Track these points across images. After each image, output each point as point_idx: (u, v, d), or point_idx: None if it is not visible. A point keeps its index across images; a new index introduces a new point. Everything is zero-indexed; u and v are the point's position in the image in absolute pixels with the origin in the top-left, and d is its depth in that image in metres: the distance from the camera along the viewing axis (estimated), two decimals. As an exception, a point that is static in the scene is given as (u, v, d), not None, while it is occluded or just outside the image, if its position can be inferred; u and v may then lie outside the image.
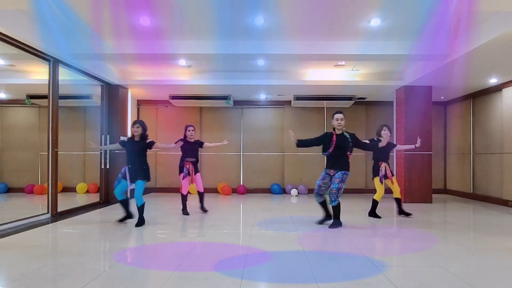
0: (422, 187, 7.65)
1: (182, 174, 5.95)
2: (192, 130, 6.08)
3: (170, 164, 9.38)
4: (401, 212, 5.82)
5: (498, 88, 7.53)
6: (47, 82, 5.74)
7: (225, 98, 8.83)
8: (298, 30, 5.38)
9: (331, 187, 4.91)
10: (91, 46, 5.71)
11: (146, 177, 5.11)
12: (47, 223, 5.21)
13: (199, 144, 6.17)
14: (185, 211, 5.98)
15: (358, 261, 3.38)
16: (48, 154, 5.73)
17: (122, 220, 5.17)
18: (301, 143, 5.09)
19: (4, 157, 9.11)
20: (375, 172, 5.76)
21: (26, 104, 8.56)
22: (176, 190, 9.37)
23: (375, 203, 5.78)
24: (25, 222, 5.08)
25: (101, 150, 7.38)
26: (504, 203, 7.26)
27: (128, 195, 7.69)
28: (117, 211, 6.28)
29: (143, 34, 5.49)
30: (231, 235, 4.56)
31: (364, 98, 9.14)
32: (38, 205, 7.10)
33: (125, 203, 5.17)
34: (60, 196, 6.07)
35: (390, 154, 6.00)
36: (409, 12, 4.72)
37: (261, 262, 3.35)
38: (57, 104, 5.83)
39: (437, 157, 9.48)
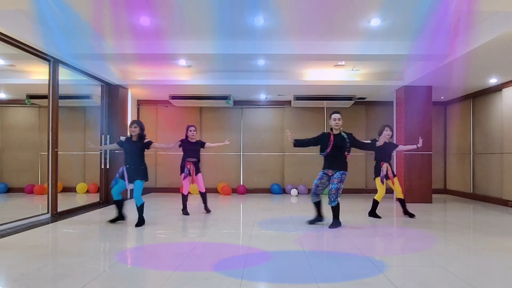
0: (422, 187, 7.65)
1: (183, 174, 5.95)
2: (194, 131, 6.07)
3: (170, 164, 9.38)
4: (406, 212, 5.81)
5: (498, 88, 7.53)
6: (47, 82, 5.74)
7: (225, 98, 8.83)
8: (298, 30, 5.38)
9: (330, 187, 4.91)
10: (91, 46, 5.71)
11: (145, 177, 5.11)
12: (47, 223, 5.21)
13: (201, 144, 6.16)
14: (185, 211, 5.98)
15: (358, 261, 3.38)
16: (48, 154, 5.74)
17: (113, 221, 5.14)
18: (298, 143, 5.10)
19: (4, 157, 9.11)
20: (377, 172, 5.76)
21: (26, 104, 8.56)
22: (176, 190, 9.38)
23: (375, 203, 5.77)
24: (25, 222, 5.08)
25: (101, 150, 7.38)
26: (504, 203, 7.26)
27: (128, 195, 7.79)
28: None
29: (143, 34, 5.49)
30: (231, 235, 4.56)
31: (364, 98, 9.14)
32: (38, 205, 7.10)
33: (120, 204, 5.16)
34: (60, 196, 6.07)
35: (392, 154, 6.00)
36: (409, 12, 4.72)
37: (261, 262, 3.35)
38: (57, 104, 5.83)
39: (437, 157, 9.49)
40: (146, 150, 5.18)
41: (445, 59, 5.84)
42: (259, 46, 5.77)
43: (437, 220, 5.75)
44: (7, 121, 9.21)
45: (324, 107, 9.41)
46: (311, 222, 5.18)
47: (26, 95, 8.30)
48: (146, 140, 5.16)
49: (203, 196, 6.18)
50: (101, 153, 7.43)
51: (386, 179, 5.71)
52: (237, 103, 9.59)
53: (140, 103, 9.68)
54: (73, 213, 6.08)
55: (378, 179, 5.73)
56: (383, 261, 3.36)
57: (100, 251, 3.81)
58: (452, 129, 9.38)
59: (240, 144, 9.70)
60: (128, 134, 5.25)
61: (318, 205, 5.19)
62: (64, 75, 6.03)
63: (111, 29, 5.40)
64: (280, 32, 5.44)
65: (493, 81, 7.25)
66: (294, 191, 9.16)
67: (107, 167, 7.39)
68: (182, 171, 5.98)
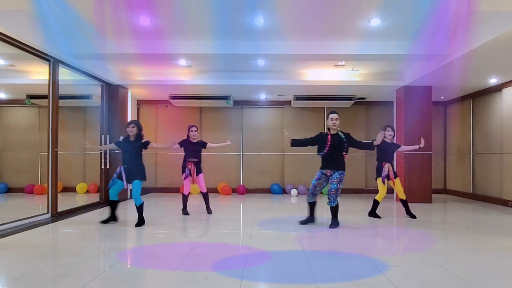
0: (422, 187, 7.65)
1: (184, 174, 5.95)
2: (195, 131, 6.08)
3: (170, 164, 9.39)
4: (408, 213, 5.80)
5: (498, 88, 7.53)
6: (47, 82, 5.74)
7: (225, 98, 8.83)
8: (298, 30, 5.38)
9: (329, 188, 4.90)
10: (91, 46, 5.71)
11: (143, 177, 5.10)
12: (47, 223, 5.22)
13: (202, 144, 6.16)
14: (185, 211, 5.98)
15: (358, 261, 3.38)
16: (48, 154, 5.74)
17: (105, 221, 5.11)
18: (295, 143, 5.09)
19: (4, 157, 9.11)
20: (378, 173, 5.75)
21: (26, 104, 8.56)
22: (176, 190, 9.39)
23: (376, 203, 5.77)
24: (25, 222, 5.08)
25: (101, 150, 7.38)
26: (504, 203, 7.26)
27: (128, 195, 7.78)
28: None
29: (143, 34, 5.49)
30: (231, 235, 4.56)
31: (364, 98, 9.14)
32: (38, 205, 7.10)
33: (114, 205, 5.16)
34: (60, 196, 6.06)
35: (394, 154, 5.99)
36: (409, 12, 4.72)
37: (261, 262, 3.35)
38: (57, 104, 5.83)
39: (437, 157, 9.49)
40: (144, 150, 5.18)
41: (445, 59, 5.84)
42: (259, 46, 5.77)
43: (437, 220, 5.75)
44: (7, 121, 9.21)
45: (324, 107, 9.41)
46: (303, 222, 5.17)
47: (26, 95, 8.30)
48: (143, 140, 5.16)
49: (205, 196, 6.17)
50: (101, 153, 7.43)
51: (388, 180, 5.70)
52: (237, 103, 9.59)
53: (140, 103, 9.68)
54: (73, 213, 6.08)
55: (379, 179, 5.72)
56: (383, 261, 3.36)
57: (100, 251, 3.81)
58: (452, 129, 9.38)
59: (240, 144, 9.70)
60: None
61: (313, 205, 5.20)
62: (64, 75, 6.03)
63: (111, 29, 5.40)
64: (280, 32, 5.44)
65: (493, 81, 7.25)
66: (294, 191, 9.16)
67: (107, 167, 7.39)
68: (183, 171, 5.99)
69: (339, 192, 4.90)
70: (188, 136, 6.07)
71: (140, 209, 5.03)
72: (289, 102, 9.52)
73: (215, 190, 9.34)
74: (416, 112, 7.67)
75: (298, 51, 5.82)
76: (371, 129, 9.35)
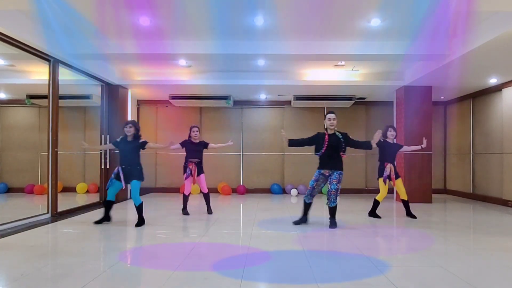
0: (422, 187, 7.65)
1: (185, 174, 5.95)
2: (197, 131, 6.08)
3: (170, 164, 9.38)
4: (408, 213, 5.80)
5: (498, 88, 7.53)
6: (47, 82, 5.74)
7: (225, 98, 8.83)
8: (298, 30, 5.38)
9: (329, 188, 4.91)
10: (91, 46, 5.71)
11: (141, 177, 5.10)
12: (47, 223, 5.22)
13: (204, 145, 6.16)
14: (185, 211, 5.98)
15: (358, 261, 3.38)
16: (48, 154, 5.74)
17: (99, 222, 5.10)
18: (292, 143, 5.10)
19: (4, 157, 9.11)
20: (380, 173, 5.75)
21: (26, 104, 8.56)
22: (176, 190, 9.39)
23: (376, 203, 5.77)
24: (25, 222, 5.08)
25: (100, 150, 7.38)
26: (504, 203, 7.26)
27: (128, 196, 7.78)
28: (117, 210, 6.29)
29: (143, 34, 5.49)
30: (231, 235, 4.56)
31: (364, 98, 9.13)
32: (38, 205, 7.10)
33: (109, 205, 5.16)
34: (60, 196, 6.06)
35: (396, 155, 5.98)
36: (409, 12, 4.71)
37: (261, 262, 3.35)
38: (57, 104, 5.83)
39: (437, 157, 9.49)
40: (142, 150, 5.18)
41: (445, 59, 5.84)
42: (259, 46, 5.77)
43: (437, 220, 5.75)
44: (7, 121, 9.21)
45: (324, 107, 9.41)
46: (297, 222, 5.16)
47: (26, 95, 8.30)
48: (141, 140, 5.16)
49: (206, 197, 6.17)
50: (101, 153, 7.43)
51: (389, 180, 5.70)
52: (237, 103, 9.59)
53: (140, 103, 9.68)
54: (73, 213, 6.08)
55: (381, 180, 5.72)
56: (383, 261, 3.36)
57: (100, 251, 3.81)
58: (452, 129, 9.38)
59: (240, 144, 9.70)
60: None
61: (309, 206, 5.20)
62: (64, 75, 6.03)
63: (111, 29, 5.40)
64: (280, 32, 5.43)
65: (493, 81, 7.25)
66: (294, 191, 9.16)
67: (107, 167, 7.39)
68: (184, 171, 5.99)
69: (339, 192, 4.92)
70: (189, 136, 6.07)
71: (139, 209, 5.03)
72: (289, 102, 9.52)
73: (215, 190, 9.34)
74: (416, 112, 7.67)
75: (297, 51, 5.82)
76: (371, 129, 9.33)
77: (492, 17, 4.65)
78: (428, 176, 7.70)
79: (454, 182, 9.27)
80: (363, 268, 3.18)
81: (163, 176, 9.66)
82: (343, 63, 6.97)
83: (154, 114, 9.75)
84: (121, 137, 5.25)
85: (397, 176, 5.77)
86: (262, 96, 9.23)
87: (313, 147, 5.11)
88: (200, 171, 6.03)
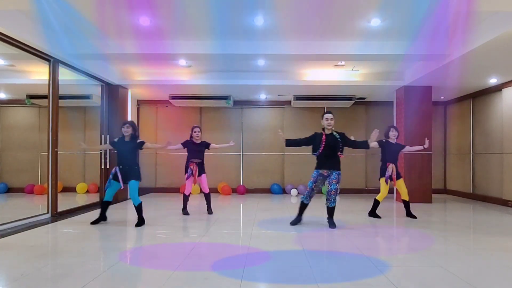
0: (422, 187, 7.65)
1: (186, 174, 5.95)
2: (199, 131, 6.08)
3: (170, 164, 9.38)
4: (408, 214, 5.80)
5: (498, 88, 7.53)
6: (47, 82, 5.74)
7: (225, 98, 8.83)
8: (298, 30, 5.38)
9: (329, 188, 4.91)
10: (91, 46, 5.71)
11: (138, 177, 5.10)
12: (47, 223, 5.22)
13: (205, 145, 6.16)
14: (185, 211, 5.98)
15: (358, 261, 3.38)
16: (48, 154, 5.74)
17: (95, 222, 5.09)
18: (290, 143, 5.10)
19: (4, 157, 9.11)
20: (382, 173, 5.75)
21: (26, 104, 8.56)
22: (176, 190, 9.39)
23: (376, 203, 5.77)
24: (25, 222, 5.08)
25: (100, 150, 7.38)
26: (504, 203, 7.26)
27: (127, 196, 7.78)
28: (117, 211, 6.30)
29: (143, 34, 5.49)
30: (231, 235, 4.56)
31: (364, 98, 9.13)
32: (38, 205, 7.10)
33: (106, 205, 5.16)
34: (60, 196, 6.06)
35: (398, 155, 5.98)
36: (409, 12, 4.71)
37: (261, 262, 3.35)
38: (57, 104, 5.83)
39: (437, 157, 9.49)
40: (140, 150, 5.18)
41: (445, 59, 5.84)
42: (259, 46, 5.77)
43: (437, 220, 5.75)
44: (7, 121, 9.21)
45: (324, 107, 9.40)
46: (293, 223, 5.15)
47: (26, 95, 8.30)
48: (138, 140, 5.17)
49: (207, 197, 6.17)
50: (101, 153, 7.43)
51: (391, 180, 5.70)
52: (237, 103, 9.59)
53: (140, 103, 9.68)
54: (73, 213, 6.08)
55: (382, 180, 5.72)
56: (383, 261, 3.36)
57: (100, 251, 3.81)
58: (452, 129, 9.38)
59: (240, 144, 9.70)
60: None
61: (305, 207, 5.21)
62: (64, 75, 6.03)
63: (111, 29, 5.40)
64: (279, 32, 5.43)
65: (493, 81, 7.25)
66: (294, 191, 9.16)
67: (107, 167, 7.38)
68: (186, 171, 5.99)
69: (338, 192, 4.93)
70: (191, 136, 6.07)
71: (139, 209, 5.03)
72: (289, 102, 9.52)
73: (215, 190, 9.33)
74: (416, 112, 7.67)
75: (297, 51, 5.82)
76: (371, 129, 9.25)
77: (492, 17, 4.65)
78: (428, 176, 7.70)
79: (454, 182, 9.27)
80: (363, 268, 3.18)
81: (163, 176, 9.66)
82: (343, 63, 6.97)
83: (154, 114, 9.75)
84: (118, 137, 5.25)
85: (398, 177, 5.76)
86: (262, 96, 9.23)
87: (311, 147, 5.11)
88: (201, 171, 6.03)
